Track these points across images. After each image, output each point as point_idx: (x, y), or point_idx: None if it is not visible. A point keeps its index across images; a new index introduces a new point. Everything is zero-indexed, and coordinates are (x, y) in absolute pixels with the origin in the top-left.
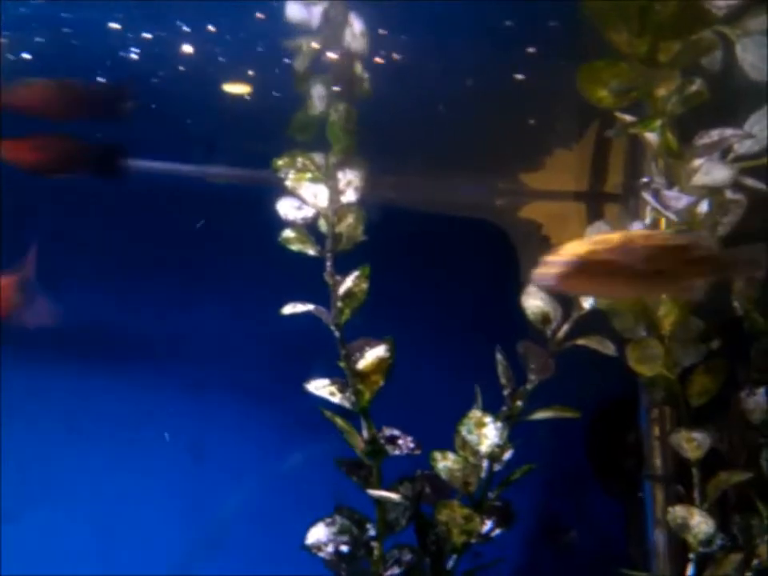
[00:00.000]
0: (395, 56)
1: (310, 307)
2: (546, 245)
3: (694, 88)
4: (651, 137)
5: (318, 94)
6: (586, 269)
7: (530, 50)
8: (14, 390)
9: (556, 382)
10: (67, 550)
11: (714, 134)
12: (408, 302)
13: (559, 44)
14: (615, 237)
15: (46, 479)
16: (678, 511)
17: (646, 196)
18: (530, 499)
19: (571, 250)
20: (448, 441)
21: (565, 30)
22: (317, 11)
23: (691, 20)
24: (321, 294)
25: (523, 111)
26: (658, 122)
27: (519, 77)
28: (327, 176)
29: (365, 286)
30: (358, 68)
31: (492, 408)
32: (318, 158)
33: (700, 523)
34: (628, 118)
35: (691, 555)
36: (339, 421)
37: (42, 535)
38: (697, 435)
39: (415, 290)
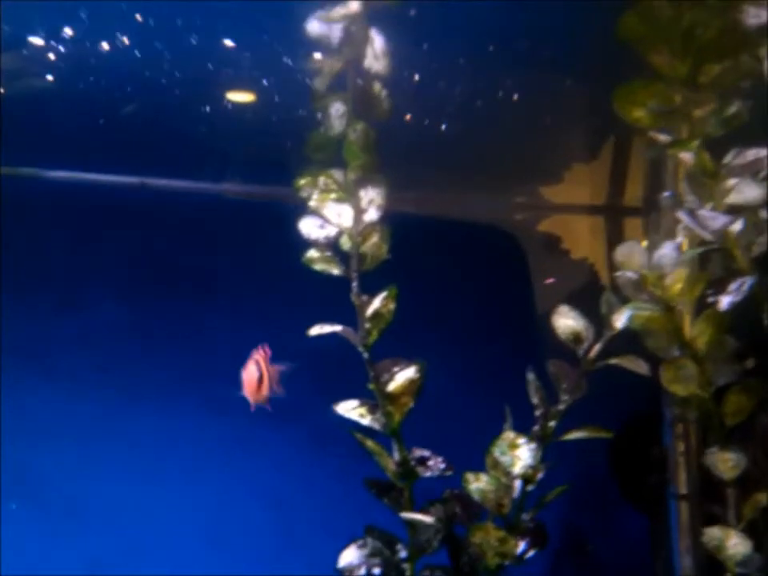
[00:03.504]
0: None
1: (337, 328)
2: (563, 258)
3: (733, 110)
4: (686, 156)
5: (336, 113)
6: None
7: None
8: (29, 411)
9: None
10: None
11: (750, 154)
12: (430, 318)
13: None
14: None
15: (63, 500)
16: (714, 532)
17: (681, 215)
18: (555, 514)
19: None
20: (469, 459)
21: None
22: (337, 28)
23: (733, 43)
24: (333, 310)
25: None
26: (696, 143)
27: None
28: (349, 194)
29: (392, 306)
30: (377, 87)
31: (517, 428)
32: (338, 175)
33: (737, 544)
34: (663, 137)
35: None
36: (370, 443)
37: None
38: (732, 455)
39: (439, 306)
